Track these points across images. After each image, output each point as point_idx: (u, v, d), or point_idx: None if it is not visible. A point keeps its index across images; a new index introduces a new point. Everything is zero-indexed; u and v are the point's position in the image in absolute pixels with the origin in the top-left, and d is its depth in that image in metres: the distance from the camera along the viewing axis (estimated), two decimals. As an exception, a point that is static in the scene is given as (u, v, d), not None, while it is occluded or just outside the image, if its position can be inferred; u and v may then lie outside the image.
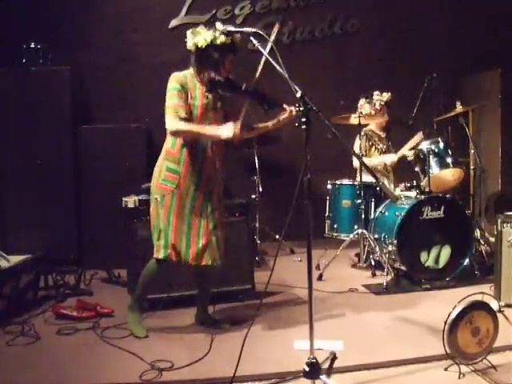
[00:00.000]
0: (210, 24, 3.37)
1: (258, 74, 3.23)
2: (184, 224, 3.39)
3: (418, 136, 5.32)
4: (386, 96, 5.48)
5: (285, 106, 3.41)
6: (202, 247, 3.41)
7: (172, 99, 3.30)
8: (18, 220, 5.23)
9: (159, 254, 3.40)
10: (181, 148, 3.39)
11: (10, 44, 5.33)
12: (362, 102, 5.45)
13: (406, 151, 5.38)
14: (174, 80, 3.34)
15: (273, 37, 3.13)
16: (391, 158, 5.46)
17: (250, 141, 5.39)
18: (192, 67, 3.41)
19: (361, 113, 5.14)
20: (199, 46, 3.31)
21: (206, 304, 3.76)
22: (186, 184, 3.38)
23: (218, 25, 3.33)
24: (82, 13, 5.93)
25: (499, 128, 6.03)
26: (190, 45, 3.34)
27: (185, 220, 3.39)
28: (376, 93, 5.48)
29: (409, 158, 5.35)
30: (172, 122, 3.27)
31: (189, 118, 3.31)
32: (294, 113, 3.38)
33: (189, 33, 3.35)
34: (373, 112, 5.38)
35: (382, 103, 5.46)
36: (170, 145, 3.42)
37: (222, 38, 3.28)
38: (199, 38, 3.31)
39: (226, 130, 3.24)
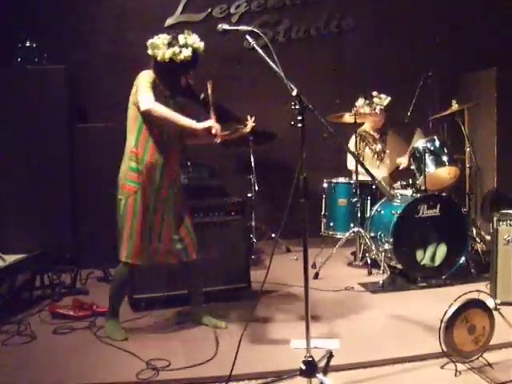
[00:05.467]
0: (173, 35, 3.33)
1: (209, 89, 3.25)
2: (148, 224, 3.37)
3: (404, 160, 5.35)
4: (386, 100, 5.45)
5: (248, 121, 3.50)
6: (165, 246, 3.42)
7: (146, 86, 3.26)
8: (14, 219, 5.20)
9: (123, 256, 3.38)
10: (145, 147, 3.35)
11: (5, 43, 5.30)
12: (360, 102, 5.40)
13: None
14: (148, 76, 3.32)
15: (208, 92, 3.23)
16: (381, 175, 5.43)
17: (246, 140, 5.40)
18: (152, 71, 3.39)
19: (356, 111, 5.11)
20: (158, 59, 3.31)
21: (199, 303, 3.74)
22: (148, 183, 3.36)
23: (181, 38, 3.29)
24: (77, 11, 5.91)
25: (495, 126, 6.03)
26: (150, 53, 3.34)
27: (148, 220, 3.37)
28: (375, 93, 5.46)
29: (402, 166, 5.37)
30: (148, 100, 3.21)
31: None
32: (249, 128, 3.51)
33: (148, 44, 3.33)
34: (372, 115, 5.37)
35: (382, 108, 5.45)
36: (133, 144, 3.38)
37: (182, 55, 3.27)
38: (158, 52, 3.29)
39: (203, 124, 3.22)
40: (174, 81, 3.39)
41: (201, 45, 3.36)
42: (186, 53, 3.28)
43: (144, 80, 3.30)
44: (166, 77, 3.36)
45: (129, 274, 3.50)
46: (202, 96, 3.39)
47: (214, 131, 3.19)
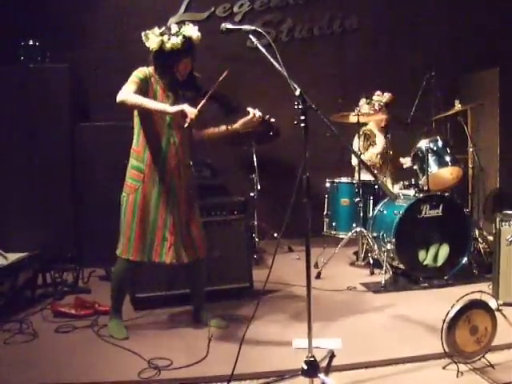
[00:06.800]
0: (168, 26, 3.35)
1: (221, 77, 3.22)
2: (148, 222, 3.37)
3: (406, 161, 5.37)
4: (386, 97, 5.47)
5: (249, 109, 3.41)
6: (168, 245, 3.39)
7: (129, 81, 3.29)
8: (16, 218, 5.21)
9: (118, 251, 3.43)
10: (145, 145, 3.37)
11: (7, 41, 5.31)
12: (362, 102, 5.45)
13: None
14: (139, 71, 3.36)
15: (220, 79, 3.15)
16: (380, 145, 5.41)
17: (247, 139, 5.40)
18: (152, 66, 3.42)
19: (359, 111, 5.11)
20: (151, 49, 3.33)
21: (200, 302, 3.73)
22: (150, 181, 3.37)
23: (173, 27, 3.30)
24: (80, 10, 5.90)
25: (498, 126, 6.02)
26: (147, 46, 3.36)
27: (149, 218, 3.37)
28: (377, 93, 5.48)
29: (405, 166, 5.37)
30: (123, 92, 3.21)
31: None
32: (257, 117, 3.39)
33: (143, 35, 3.35)
34: (371, 112, 5.37)
35: (382, 104, 5.45)
36: (135, 142, 3.42)
37: (171, 43, 3.25)
38: (149, 42, 3.32)
39: (176, 107, 3.13)
40: (166, 71, 3.35)
41: (194, 34, 3.31)
42: (175, 40, 3.25)
43: (132, 76, 3.33)
44: (160, 67, 3.36)
45: (126, 271, 3.50)
46: (205, 88, 3.36)
47: (187, 115, 3.08)
